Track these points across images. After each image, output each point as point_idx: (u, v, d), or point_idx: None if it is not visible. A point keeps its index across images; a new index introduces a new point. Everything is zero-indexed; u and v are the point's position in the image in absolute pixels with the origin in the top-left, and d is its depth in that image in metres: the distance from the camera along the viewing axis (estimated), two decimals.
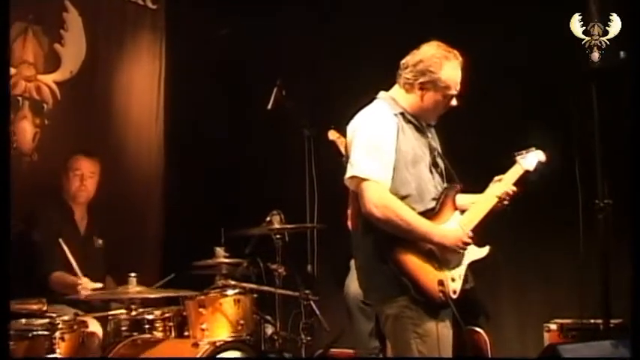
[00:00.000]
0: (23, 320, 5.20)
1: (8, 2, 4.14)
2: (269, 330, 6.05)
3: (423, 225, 4.17)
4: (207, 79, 7.71)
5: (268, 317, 6.08)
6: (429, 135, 4.46)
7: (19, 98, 6.75)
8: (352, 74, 7.14)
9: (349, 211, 6.48)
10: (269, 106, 6.53)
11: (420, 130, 4.38)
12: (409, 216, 4.13)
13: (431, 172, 4.37)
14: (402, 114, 4.32)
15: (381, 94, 4.45)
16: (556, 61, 6.05)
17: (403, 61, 4.41)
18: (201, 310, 5.48)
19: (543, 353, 5.38)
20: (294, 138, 6.75)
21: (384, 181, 4.14)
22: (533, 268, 6.80)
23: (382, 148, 4.18)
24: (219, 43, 7.75)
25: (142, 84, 7.81)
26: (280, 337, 5.99)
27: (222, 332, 5.46)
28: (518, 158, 4.73)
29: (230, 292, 5.64)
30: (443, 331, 4.18)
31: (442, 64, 4.31)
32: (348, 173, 4.21)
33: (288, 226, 6.06)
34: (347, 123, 4.43)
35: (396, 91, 4.42)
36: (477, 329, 6.49)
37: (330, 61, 7.44)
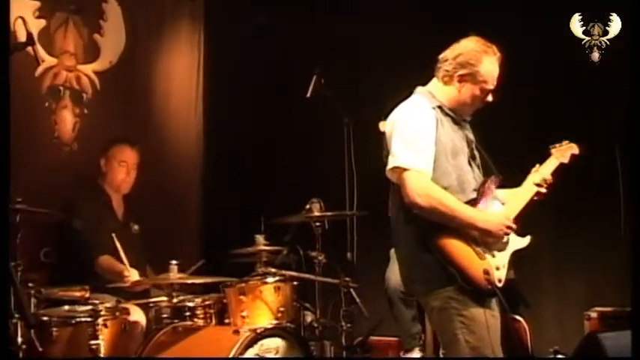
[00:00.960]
0: (66, 307, 5.27)
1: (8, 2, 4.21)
2: (309, 317, 6.08)
3: (466, 211, 4.17)
4: (246, 68, 7.73)
5: (307, 305, 6.10)
6: (466, 128, 4.47)
7: (61, 88, 6.81)
8: (392, 62, 7.13)
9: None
10: (308, 95, 6.54)
11: (457, 123, 4.39)
12: (453, 203, 4.13)
13: (470, 164, 4.38)
14: (439, 107, 4.32)
15: (419, 88, 4.46)
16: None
17: (442, 55, 4.42)
18: (241, 297, 5.49)
19: (584, 341, 5.37)
20: (333, 126, 6.75)
21: (425, 171, 4.14)
22: (574, 255, 6.77)
23: (422, 140, 4.18)
24: (258, 32, 7.75)
25: (181, 74, 7.85)
26: (320, 325, 6.01)
27: (263, 319, 5.47)
28: (553, 151, 4.76)
29: (270, 279, 5.65)
30: (491, 320, 4.17)
31: (481, 58, 4.32)
32: (390, 164, 4.21)
33: (328, 213, 6.08)
34: (385, 117, 4.44)
35: (434, 84, 4.43)
36: (517, 317, 6.49)
37: (370, 49, 7.43)
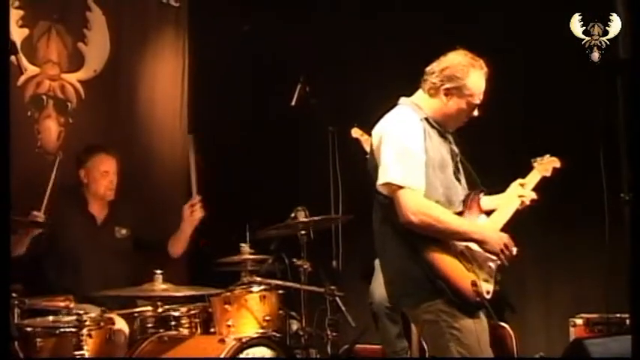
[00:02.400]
0: (51, 317, 5.25)
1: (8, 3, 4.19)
2: (294, 326, 6.07)
3: (463, 225, 4.19)
4: (231, 76, 7.72)
5: (293, 313, 6.09)
6: (451, 141, 4.46)
7: (44, 97, 6.80)
8: (376, 70, 7.14)
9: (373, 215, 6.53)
10: (292, 103, 6.55)
11: (443, 135, 4.39)
12: (448, 218, 4.14)
13: (456, 177, 4.38)
14: (426, 119, 4.31)
15: (403, 99, 4.45)
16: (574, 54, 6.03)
17: (429, 68, 4.40)
18: (226, 306, 5.50)
19: (570, 348, 5.36)
20: (317, 134, 6.75)
21: (418, 187, 4.13)
22: (559, 262, 6.79)
23: (413, 153, 4.16)
24: (243, 40, 7.75)
25: (166, 81, 7.83)
26: (306, 333, 6.00)
27: (248, 328, 5.48)
28: (535, 164, 4.83)
29: (255, 288, 5.66)
30: (480, 330, 4.19)
31: (468, 71, 4.30)
32: (382, 179, 4.18)
33: (315, 218, 6.07)
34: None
35: (420, 96, 4.41)
36: (503, 324, 6.49)
37: (353, 57, 7.44)
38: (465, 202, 4.34)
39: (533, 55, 6.63)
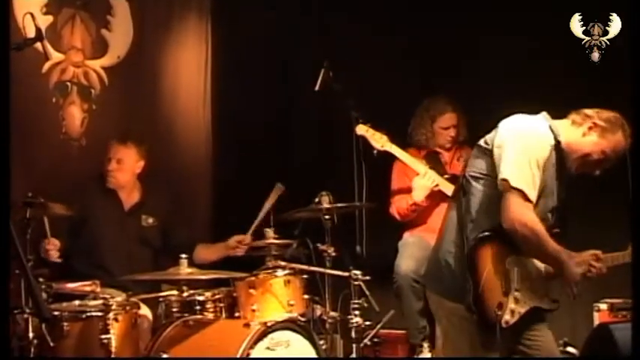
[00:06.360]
0: (77, 302, 5.29)
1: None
2: (318, 311, 6.08)
3: (552, 248, 4.19)
4: (254, 61, 7.72)
5: (317, 298, 6.11)
6: (562, 184, 4.37)
7: (68, 84, 6.82)
8: (399, 55, 7.13)
9: (395, 199, 6.52)
10: (316, 88, 6.54)
11: (560, 171, 4.29)
12: (544, 238, 4.13)
13: (550, 211, 4.32)
14: (557, 146, 4.24)
15: (545, 115, 4.36)
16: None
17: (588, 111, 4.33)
18: (251, 291, 5.51)
19: (595, 332, 5.36)
20: (341, 119, 6.74)
21: (531, 199, 4.08)
22: (583, 246, 6.75)
23: (535, 170, 4.10)
24: (266, 25, 7.75)
25: (189, 67, 7.83)
26: (330, 318, 6.02)
27: (273, 313, 5.48)
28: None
29: (280, 273, 5.67)
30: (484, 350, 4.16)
31: (620, 130, 4.27)
32: (503, 175, 4.09)
33: (339, 205, 6.09)
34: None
35: (560, 122, 4.33)
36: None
37: (379, 42, 7.42)
38: None
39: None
